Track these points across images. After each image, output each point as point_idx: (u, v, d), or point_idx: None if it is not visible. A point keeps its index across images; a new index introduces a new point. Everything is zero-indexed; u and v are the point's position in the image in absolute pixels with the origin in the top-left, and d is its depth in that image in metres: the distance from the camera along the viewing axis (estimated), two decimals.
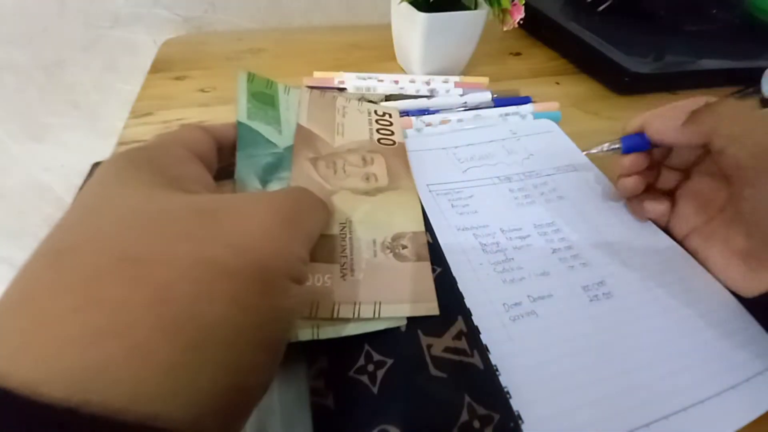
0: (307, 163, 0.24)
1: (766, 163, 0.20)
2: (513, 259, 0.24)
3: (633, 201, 0.27)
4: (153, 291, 0.10)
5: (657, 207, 0.26)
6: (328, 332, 0.18)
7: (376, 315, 0.18)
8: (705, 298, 0.22)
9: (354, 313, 0.18)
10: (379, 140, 0.27)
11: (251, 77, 0.25)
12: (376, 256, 0.20)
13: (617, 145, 0.26)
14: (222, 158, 0.20)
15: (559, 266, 0.23)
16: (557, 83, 0.43)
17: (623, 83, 0.41)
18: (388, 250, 0.21)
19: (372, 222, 0.22)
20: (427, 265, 0.21)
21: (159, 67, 0.41)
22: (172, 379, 0.10)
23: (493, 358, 0.19)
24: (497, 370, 0.18)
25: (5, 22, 0.44)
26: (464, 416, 0.16)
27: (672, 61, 0.44)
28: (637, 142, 0.25)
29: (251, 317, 0.12)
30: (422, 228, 0.22)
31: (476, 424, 0.16)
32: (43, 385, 0.09)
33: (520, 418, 0.17)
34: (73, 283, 0.10)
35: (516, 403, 0.17)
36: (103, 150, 0.31)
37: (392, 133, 0.28)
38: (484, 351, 0.18)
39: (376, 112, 0.30)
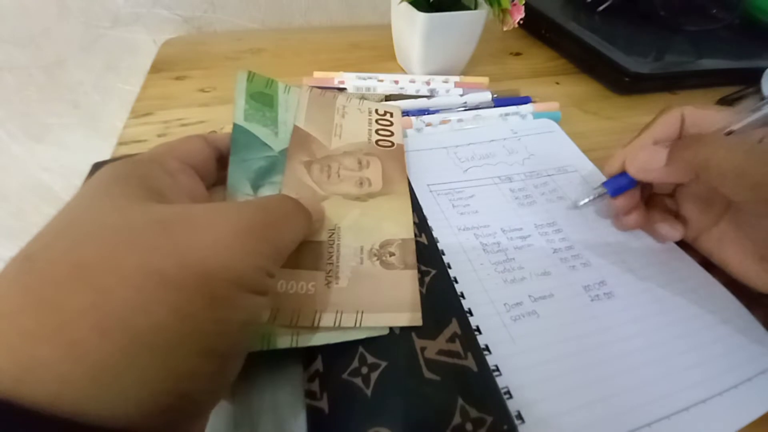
0: (300, 166, 0.23)
1: (764, 195, 0.19)
2: (514, 259, 0.24)
3: (645, 227, 0.26)
4: (93, 295, 0.11)
5: (672, 233, 0.24)
6: (307, 340, 0.17)
7: (358, 324, 0.18)
8: (706, 298, 0.22)
9: (335, 322, 0.18)
10: (377, 141, 0.27)
11: (251, 76, 0.25)
12: (363, 264, 0.20)
13: (603, 191, 0.25)
14: (224, 166, 0.21)
15: (560, 266, 0.23)
16: (557, 83, 0.43)
17: (623, 83, 0.41)
18: (375, 258, 0.20)
19: (361, 228, 0.22)
20: (413, 274, 0.20)
21: (159, 67, 0.41)
22: (103, 380, 0.10)
23: (494, 358, 0.19)
24: (498, 370, 0.18)
25: (5, 22, 0.44)
26: (457, 419, 0.16)
27: (672, 61, 0.44)
28: (622, 184, 0.24)
29: (191, 326, 0.12)
30: (411, 235, 0.22)
31: (469, 426, 0.16)
32: None
33: (521, 418, 0.17)
34: (26, 287, 0.11)
35: (517, 403, 0.17)
36: (103, 150, 0.31)
37: (392, 134, 0.28)
38: (479, 353, 0.18)
39: (377, 111, 0.29)
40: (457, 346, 0.18)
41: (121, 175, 0.15)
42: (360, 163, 0.25)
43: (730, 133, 0.21)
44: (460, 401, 0.16)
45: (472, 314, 0.21)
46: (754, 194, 0.19)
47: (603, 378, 0.19)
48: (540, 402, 0.18)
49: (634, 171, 0.23)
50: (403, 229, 0.22)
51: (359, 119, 0.28)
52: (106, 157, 0.29)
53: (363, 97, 0.30)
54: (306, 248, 0.20)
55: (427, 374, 0.17)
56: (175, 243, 0.13)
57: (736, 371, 0.19)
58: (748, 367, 0.20)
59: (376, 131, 0.28)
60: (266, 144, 0.23)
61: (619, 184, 0.24)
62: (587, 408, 0.18)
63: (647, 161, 0.23)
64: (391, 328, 0.18)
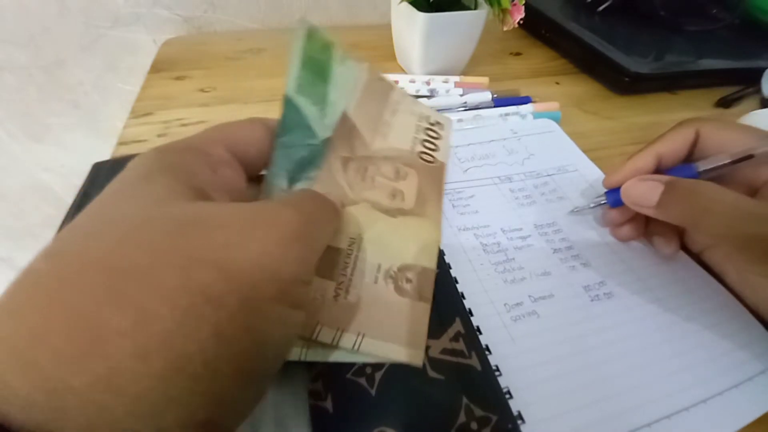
0: (338, 162, 0.21)
1: (760, 254, 0.18)
2: (514, 259, 0.24)
3: (641, 239, 0.25)
4: (134, 314, 0.10)
5: (666, 248, 0.24)
6: (317, 355, 0.17)
7: (356, 347, 0.17)
8: (706, 298, 0.22)
9: (333, 340, 0.17)
10: (420, 153, 0.25)
11: (310, 33, 0.20)
12: (377, 283, 0.19)
13: (603, 200, 0.25)
14: None
15: (560, 266, 0.23)
16: (557, 83, 0.43)
17: (623, 83, 0.41)
18: (391, 280, 0.19)
19: (383, 245, 0.20)
20: (426, 308, 0.19)
21: (159, 67, 0.41)
22: (140, 410, 0.10)
23: (495, 359, 0.19)
24: (498, 370, 0.18)
25: (5, 22, 0.44)
26: (462, 418, 0.16)
27: (672, 61, 0.44)
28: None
29: (232, 348, 0.11)
30: (434, 266, 0.20)
31: (474, 425, 0.16)
32: (9, 410, 0.09)
33: (522, 419, 0.17)
34: (57, 297, 0.10)
35: (517, 404, 0.17)
36: (103, 150, 0.31)
37: (437, 149, 0.25)
38: (482, 352, 0.18)
39: (428, 118, 0.27)
40: (461, 345, 0.18)
41: (159, 167, 0.14)
42: (398, 172, 0.23)
43: (750, 157, 0.21)
44: (465, 400, 0.16)
45: (472, 314, 0.20)
46: (743, 256, 0.19)
47: (603, 378, 0.19)
48: (540, 402, 0.18)
49: (628, 202, 0.23)
50: (427, 257, 0.20)
51: (408, 123, 0.25)
52: (106, 157, 0.29)
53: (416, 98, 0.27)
54: (323, 253, 0.18)
55: (432, 373, 0.17)
56: (218, 254, 0.12)
57: (736, 371, 0.19)
58: (749, 366, 0.20)
59: (422, 141, 0.25)
60: (312, 129, 0.20)
61: (619, 196, 0.24)
62: (588, 408, 0.18)
63: (642, 196, 0.22)
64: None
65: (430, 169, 0.24)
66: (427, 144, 0.25)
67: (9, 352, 0.09)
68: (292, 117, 0.19)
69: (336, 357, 0.17)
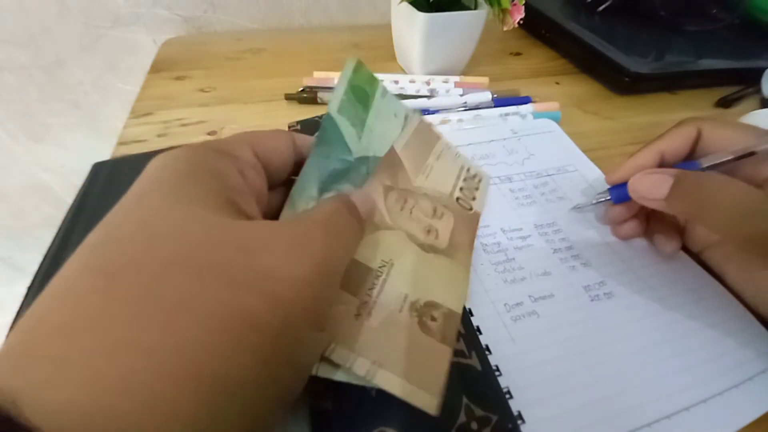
0: (380, 188, 0.21)
1: (762, 250, 0.18)
2: (514, 259, 0.24)
3: (642, 237, 0.25)
4: (179, 337, 0.10)
5: (667, 246, 0.24)
6: (328, 372, 0.16)
7: (369, 377, 0.16)
8: (706, 297, 0.22)
9: (347, 363, 0.16)
10: (458, 199, 0.25)
11: (359, 67, 0.22)
12: (401, 313, 0.18)
13: (606, 197, 0.25)
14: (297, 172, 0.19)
15: (560, 266, 0.23)
16: (557, 83, 0.43)
17: (623, 83, 0.41)
18: (416, 314, 0.18)
19: (414, 275, 0.19)
20: (448, 353, 0.17)
21: (159, 67, 0.41)
22: (185, 430, 0.10)
23: (495, 359, 0.19)
24: (498, 370, 0.18)
25: (5, 22, 0.44)
26: (462, 418, 0.16)
27: (672, 61, 0.44)
28: (626, 193, 0.23)
29: (271, 373, 0.11)
30: (460, 311, 0.19)
31: (474, 425, 0.16)
32: (62, 428, 0.09)
33: (522, 419, 0.17)
34: (118, 320, 0.10)
35: (517, 404, 0.17)
36: (103, 150, 0.31)
37: (474, 198, 0.26)
38: (482, 352, 0.18)
39: (468, 169, 0.28)
40: (461, 345, 0.18)
41: (191, 170, 0.14)
42: (435, 211, 0.23)
43: (752, 154, 0.21)
44: (465, 400, 0.16)
45: (472, 314, 0.20)
46: (746, 252, 0.20)
47: (603, 378, 0.19)
48: (541, 402, 0.18)
49: (636, 196, 0.22)
50: (455, 300, 0.20)
51: (450, 169, 0.26)
52: (106, 157, 0.29)
53: (459, 154, 0.28)
54: (352, 267, 0.17)
55: None
56: (261, 280, 0.12)
57: (736, 371, 0.19)
58: (748, 366, 0.20)
59: (460, 189, 0.26)
60: (347, 146, 0.21)
61: (623, 192, 0.24)
62: (588, 408, 0.18)
63: (651, 189, 0.21)
64: None
65: (465, 215, 0.25)
66: (465, 191, 0.26)
67: (68, 371, 0.09)
68: (330, 132, 0.20)
69: (349, 379, 0.16)
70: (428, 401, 0.16)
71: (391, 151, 0.23)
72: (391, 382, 0.16)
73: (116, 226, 0.12)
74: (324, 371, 0.16)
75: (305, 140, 0.19)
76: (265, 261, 0.12)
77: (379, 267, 0.19)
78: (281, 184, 0.19)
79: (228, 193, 0.14)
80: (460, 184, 0.26)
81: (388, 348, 0.17)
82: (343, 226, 0.16)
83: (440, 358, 0.17)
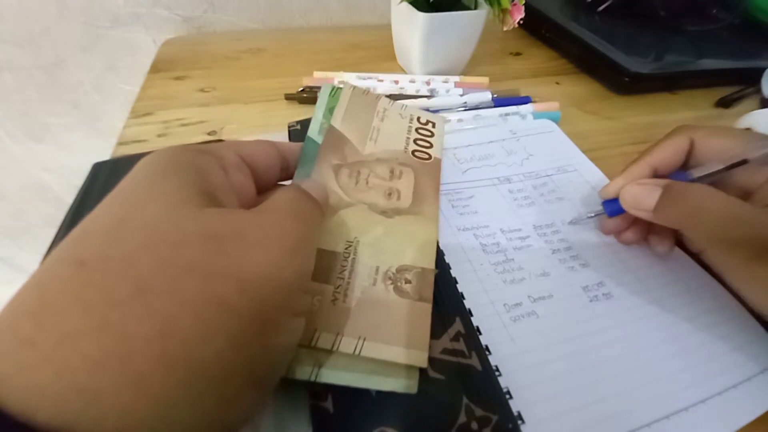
0: (329, 170, 0.22)
1: (745, 257, 0.19)
2: (513, 259, 0.24)
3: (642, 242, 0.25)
4: (160, 323, 0.11)
5: (659, 247, 0.24)
6: (329, 377, 0.16)
7: (357, 351, 0.16)
8: (705, 298, 0.22)
9: (333, 345, 0.16)
10: (413, 152, 0.25)
11: (334, 91, 0.24)
12: (375, 285, 0.19)
13: (601, 211, 0.25)
14: (287, 177, 0.21)
15: (559, 267, 0.23)
16: (557, 83, 0.43)
17: (623, 83, 0.41)
18: (390, 282, 0.19)
19: (381, 248, 0.20)
20: (427, 308, 0.18)
21: (159, 67, 0.41)
22: (162, 412, 0.10)
23: (494, 359, 0.19)
24: (498, 370, 0.18)
25: (5, 22, 0.44)
26: (462, 418, 0.16)
27: (672, 61, 0.44)
28: (620, 207, 0.24)
29: (245, 355, 0.12)
30: (432, 265, 0.20)
31: (474, 425, 0.16)
32: (36, 410, 0.09)
33: (521, 419, 0.17)
34: (86, 303, 0.11)
35: (517, 404, 0.17)
36: (103, 150, 0.31)
37: (430, 146, 0.26)
38: (482, 352, 0.18)
39: (419, 119, 0.27)
40: (461, 345, 0.18)
41: (177, 166, 0.15)
42: (392, 172, 0.23)
43: (745, 162, 0.21)
44: (465, 400, 0.16)
45: (472, 314, 0.21)
46: (732, 259, 0.20)
47: (603, 378, 0.19)
48: (540, 402, 0.18)
49: (626, 207, 0.23)
50: (425, 258, 0.20)
51: (399, 125, 0.26)
52: (106, 157, 0.29)
53: (405, 107, 0.28)
54: (318, 257, 0.18)
55: (432, 373, 0.17)
56: (232, 265, 0.12)
57: (735, 371, 0.19)
58: (748, 366, 0.20)
59: (415, 141, 0.26)
60: None
61: (616, 206, 0.24)
62: (587, 408, 0.18)
63: (639, 199, 0.22)
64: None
65: (425, 165, 0.25)
66: (419, 142, 0.26)
67: (39, 354, 0.10)
68: (311, 152, 0.22)
69: (348, 381, 0.16)
70: (418, 357, 0.17)
71: (330, 129, 0.24)
72: (379, 350, 0.16)
73: (93, 220, 0.13)
74: (324, 376, 0.16)
75: (288, 146, 0.20)
76: (238, 249, 0.13)
77: (345, 249, 0.19)
78: (270, 189, 0.19)
79: (206, 186, 0.15)
80: (414, 136, 0.26)
81: (370, 321, 0.17)
82: (304, 210, 0.16)
83: (421, 315, 0.18)
